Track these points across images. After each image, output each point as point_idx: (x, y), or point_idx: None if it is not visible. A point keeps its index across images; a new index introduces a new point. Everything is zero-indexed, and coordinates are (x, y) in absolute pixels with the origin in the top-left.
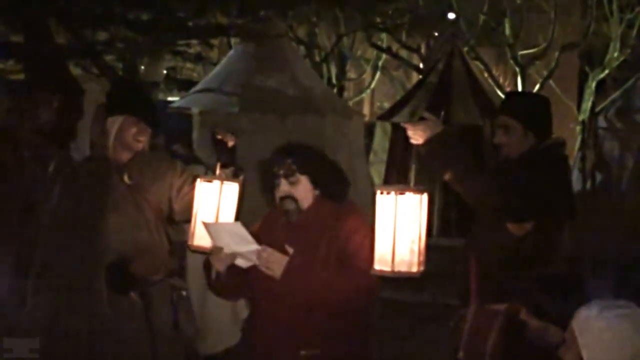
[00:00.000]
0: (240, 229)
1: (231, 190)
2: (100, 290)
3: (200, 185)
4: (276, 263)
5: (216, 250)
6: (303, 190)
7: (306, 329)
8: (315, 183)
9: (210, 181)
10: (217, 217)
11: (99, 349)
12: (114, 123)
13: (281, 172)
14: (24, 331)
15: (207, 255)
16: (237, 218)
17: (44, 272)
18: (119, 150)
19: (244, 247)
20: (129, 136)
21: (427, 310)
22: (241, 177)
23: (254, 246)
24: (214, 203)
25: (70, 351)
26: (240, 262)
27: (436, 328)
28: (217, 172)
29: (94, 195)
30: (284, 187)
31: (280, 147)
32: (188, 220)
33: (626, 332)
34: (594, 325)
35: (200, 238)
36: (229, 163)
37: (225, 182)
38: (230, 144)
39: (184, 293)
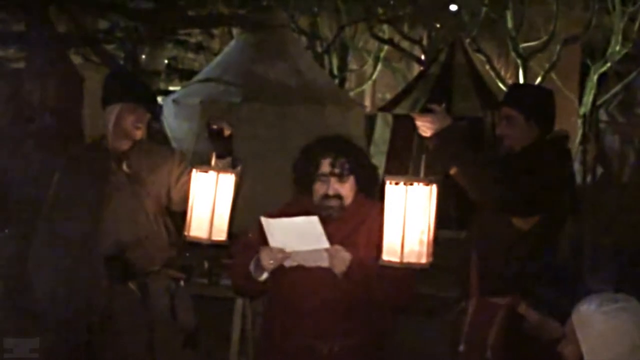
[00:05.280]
0: (315, 224)
1: (227, 181)
2: (99, 280)
3: (196, 176)
4: (344, 260)
5: (276, 250)
6: (349, 189)
7: (342, 320)
8: (358, 182)
9: (206, 171)
10: (213, 208)
11: (97, 338)
12: (112, 112)
13: (336, 171)
14: (22, 322)
15: (250, 254)
16: (233, 209)
17: (43, 261)
18: (118, 139)
19: (312, 244)
20: (128, 124)
21: (427, 302)
22: (239, 168)
23: (325, 243)
24: (210, 194)
25: (67, 340)
26: (287, 262)
27: (436, 321)
28: (213, 162)
29: (92, 184)
30: (334, 185)
31: (330, 143)
32: (186, 210)
33: (625, 325)
34: (593, 319)
35: (197, 229)
36: (225, 153)
37: (221, 173)
38: (227, 133)
39: (182, 283)
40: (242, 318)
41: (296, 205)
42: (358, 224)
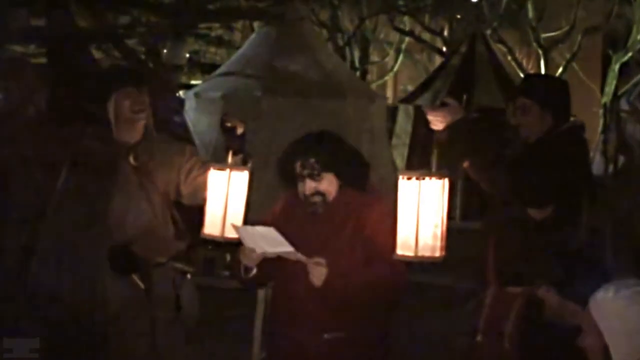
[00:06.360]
0: (274, 233)
1: (240, 178)
2: (103, 272)
3: (212, 173)
4: (320, 275)
5: (248, 250)
6: (328, 185)
7: (330, 313)
8: (339, 176)
9: (222, 169)
10: (226, 205)
11: (100, 331)
12: (110, 105)
13: (305, 172)
14: (25, 312)
15: (233, 252)
16: (247, 205)
17: (48, 252)
18: (125, 130)
19: (277, 248)
20: (126, 111)
21: (447, 292)
22: (250, 164)
23: (289, 248)
24: (223, 191)
25: (71, 332)
26: (268, 255)
27: (455, 311)
28: (229, 160)
29: (99, 177)
30: (309, 184)
31: (301, 144)
32: (196, 204)
33: None
34: (612, 307)
35: (211, 226)
36: (237, 151)
37: (234, 170)
38: (240, 131)
39: (188, 276)
40: (265, 308)
41: (289, 203)
42: (344, 218)
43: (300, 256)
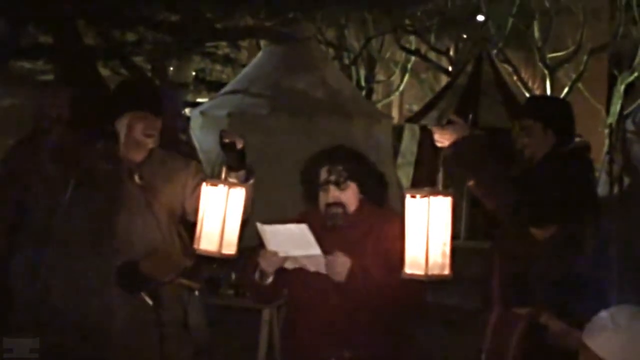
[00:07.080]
0: (304, 231)
1: (238, 195)
2: (111, 289)
3: (206, 190)
4: (342, 266)
5: (269, 254)
6: (351, 196)
7: (350, 329)
8: (362, 188)
9: (215, 185)
10: (223, 222)
11: (108, 347)
12: (122, 123)
13: (332, 178)
14: (32, 329)
15: (248, 258)
16: (243, 223)
17: (55, 271)
18: (132, 149)
19: (304, 250)
20: (138, 133)
21: (452, 313)
22: (251, 182)
23: (316, 250)
24: (221, 208)
25: (79, 349)
26: (288, 264)
27: (460, 331)
28: (223, 175)
29: (105, 195)
30: (333, 193)
31: (329, 152)
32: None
33: None
34: (615, 339)
35: (207, 242)
36: (237, 166)
37: (232, 187)
38: (239, 146)
39: (196, 293)
40: (270, 328)
41: (309, 216)
42: (365, 232)
43: (322, 261)
